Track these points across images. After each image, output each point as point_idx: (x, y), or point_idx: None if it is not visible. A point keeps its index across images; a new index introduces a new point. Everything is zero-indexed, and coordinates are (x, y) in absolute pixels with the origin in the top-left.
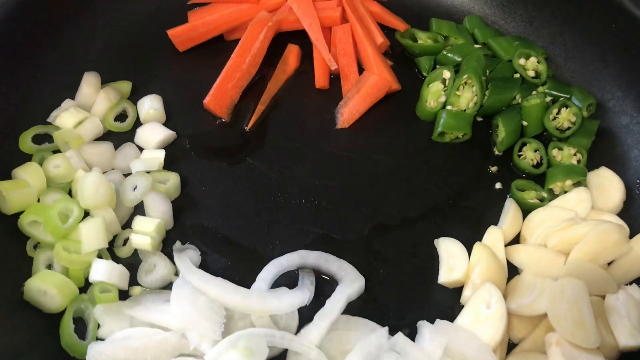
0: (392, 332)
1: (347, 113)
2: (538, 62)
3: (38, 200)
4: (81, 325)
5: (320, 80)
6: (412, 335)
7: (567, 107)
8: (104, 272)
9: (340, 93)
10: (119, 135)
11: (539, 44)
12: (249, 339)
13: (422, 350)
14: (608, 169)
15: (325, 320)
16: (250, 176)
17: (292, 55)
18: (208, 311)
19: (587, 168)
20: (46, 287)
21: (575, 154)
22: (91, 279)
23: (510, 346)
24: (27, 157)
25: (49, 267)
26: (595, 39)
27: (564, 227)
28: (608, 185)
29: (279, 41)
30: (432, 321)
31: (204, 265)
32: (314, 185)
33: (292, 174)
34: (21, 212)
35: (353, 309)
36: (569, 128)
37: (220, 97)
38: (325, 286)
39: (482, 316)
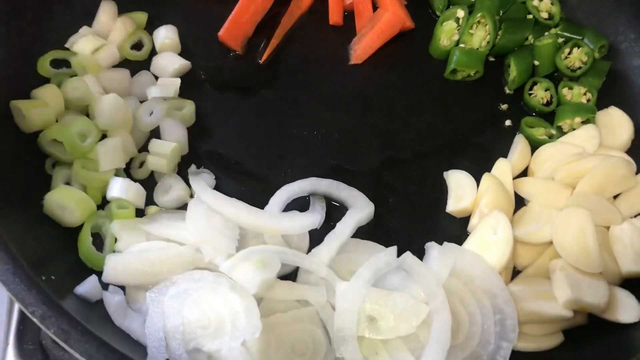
0: (399, 254)
1: (361, 49)
2: (551, 3)
3: (56, 122)
4: (98, 240)
5: (334, 16)
6: (420, 259)
7: (579, 47)
8: (121, 189)
9: (354, 30)
10: (135, 64)
11: None
12: (262, 254)
13: (429, 269)
14: (617, 108)
15: (335, 241)
16: (263, 108)
17: None
18: (223, 228)
19: (597, 108)
20: (65, 202)
21: (585, 94)
22: (108, 195)
23: (515, 274)
24: (45, 81)
25: (67, 184)
26: None
27: (572, 161)
28: (617, 123)
29: None
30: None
31: (217, 189)
32: (327, 117)
33: (304, 107)
34: (39, 132)
35: (362, 234)
36: (579, 68)
37: (235, 29)
38: (335, 212)
39: (489, 241)
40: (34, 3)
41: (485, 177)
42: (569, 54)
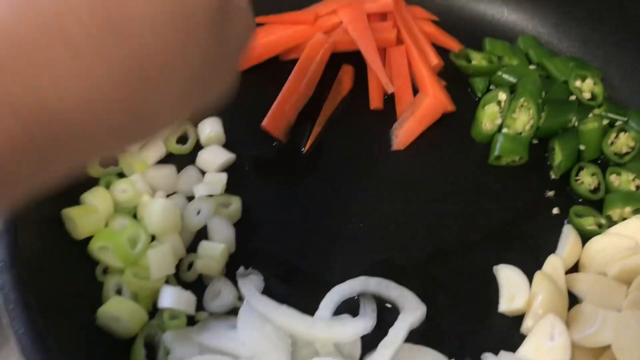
0: None
1: (403, 135)
2: (594, 83)
3: (106, 226)
4: (150, 351)
5: (375, 101)
6: None
7: (625, 131)
8: (173, 298)
9: (394, 114)
10: (179, 157)
11: (594, 64)
12: None
13: None
14: None
15: (389, 349)
16: (308, 199)
17: (346, 76)
18: (275, 339)
19: None
20: (118, 314)
21: (634, 180)
22: (160, 305)
23: None
24: (93, 182)
25: (119, 292)
26: None
27: (625, 256)
28: None
29: (332, 61)
30: (493, 350)
31: (265, 290)
32: (371, 208)
33: (348, 197)
34: (90, 237)
35: (413, 336)
36: (627, 153)
37: (278, 118)
38: (385, 313)
39: (545, 348)
40: None
41: (538, 276)
42: (616, 138)
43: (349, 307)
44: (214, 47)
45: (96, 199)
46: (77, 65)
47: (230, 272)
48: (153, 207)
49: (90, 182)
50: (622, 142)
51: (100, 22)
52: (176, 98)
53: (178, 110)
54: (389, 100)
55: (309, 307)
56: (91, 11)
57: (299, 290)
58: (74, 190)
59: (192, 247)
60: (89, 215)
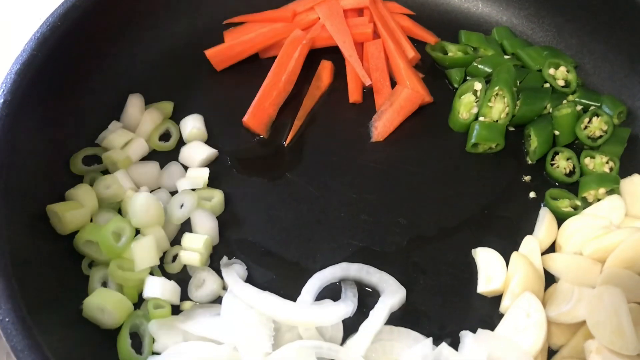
0: (434, 341)
1: (382, 126)
2: (567, 71)
3: (91, 221)
4: (136, 340)
5: (354, 94)
6: (454, 344)
7: (598, 115)
8: (157, 288)
9: (374, 107)
10: (163, 154)
11: (567, 53)
12: (298, 351)
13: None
14: None
15: (370, 330)
16: (290, 191)
17: (325, 71)
18: (258, 324)
19: (620, 175)
20: (104, 305)
21: (607, 162)
22: (145, 295)
23: (550, 353)
24: (78, 179)
25: (104, 284)
26: (623, 47)
27: (599, 235)
28: None
29: (312, 57)
30: (472, 330)
31: (249, 279)
32: (352, 198)
33: (330, 188)
34: (76, 232)
35: (395, 319)
36: (600, 136)
37: (258, 114)
38: (367, 297)
39: (522, 325)
40: (64, 103)
41: (515, 257)
42: (589, 123)
43: (331, 293)
44: None
45: (81, 195)
46: None
47: (214, 263)
48: (136, 201)
49: (74, 180)
50: (595, 126)
51: None
52: None
53: None
54: (368, 93)
55: (291, 294)
56: None
57: (282, 279)
58: (59, 187)
59: (176, 240)
60: (73, 211)
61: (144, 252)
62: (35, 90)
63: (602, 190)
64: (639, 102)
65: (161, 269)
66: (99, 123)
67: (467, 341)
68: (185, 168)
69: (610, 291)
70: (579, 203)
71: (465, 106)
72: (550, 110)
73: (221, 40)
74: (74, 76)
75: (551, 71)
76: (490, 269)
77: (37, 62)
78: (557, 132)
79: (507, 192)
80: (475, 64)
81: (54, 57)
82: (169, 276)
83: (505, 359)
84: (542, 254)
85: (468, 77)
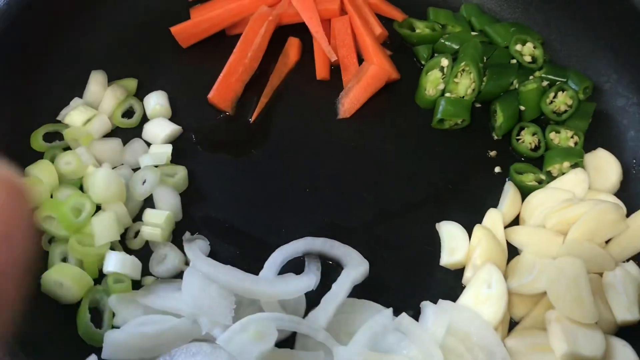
0: (396, 314)
1: (348, 103)
2: (534, 47)
3: (51, 197)
4: (97, 315)
5: (321, 71)
6: (416, 316)
7: (563, 90)
8: (117, 263)
9: (341, 84)
10: (127, 131)
11: (535, 29)
12: (259, 323)
13: (425, 329)
14: (605, 150)
15: (332, 303)
16: (255, 167)
17: (292, 48)
18: (218, 298)
19: (584, 150)
20: (62, 279)
21: (572, 137)
22: (105, 270)
23: (512, 324)
24: (39, 155)
25: (64, 260)
26: (590, 23)
27: (562, 207)
28: (605, 165)
29: (279, 34)
30: (435, 302)
31: (213, 255)
32: (318, 174)
33: (296, 164)
34: (34, 208)
35: (358, 292)
36: (565, 111)
37: (224, 91)
38: (330, 271)
39: (483, 296)
40: (24, 79)
41: (477, 229)
42: (554, 98)
43: (295, 269)
44: None
45: (40, 171)
46: None
47: (177, 239)
48: (96, 177)
49: (35, 156)
50: (561, 101)
51: None
52: None
53: None
54: (336, 70)
55: (256, 270)
56: None
57: (245, 254)
58: (19, 163)
59: (139, 217)
60: (33, 187)
61: (104, 227)
62: None
63: (566, 164)
64: (604, 78)
65: (123, 246)
66: (61, 100)
67: (427, 311)
68: (149, 145)
69: (571, 262)
70: (543, 177)
71: (431, 82)
72: (517, 86)
73: (187, 17)
74: (34, 51)
75: (518, 47)
76: (453, 241)
77: None
78: (522, 108)
79: (473, 167)
80: (442, 41)
81: (13, 32)
82: (131, 252)
83: (466, 329)
84: (506, 227)
85: (436, 54)
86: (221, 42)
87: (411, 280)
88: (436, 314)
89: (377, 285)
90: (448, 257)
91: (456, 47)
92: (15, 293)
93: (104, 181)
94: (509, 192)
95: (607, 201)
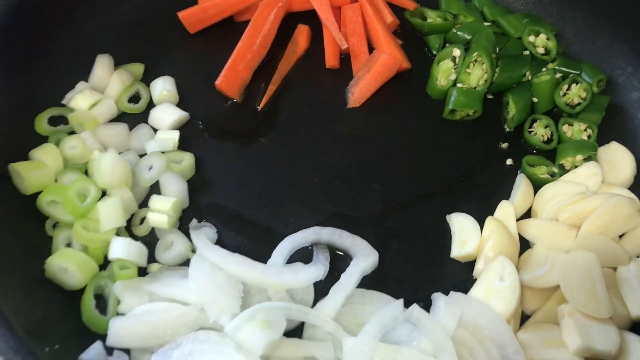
0: (406, 305)
1: (358, 92)
2: (548, 39)
3: (55, 181)
4: (102, 302)
5: (331, 59)
6: (426, 308)
7: (577, 83)
8: (123, 249)
9: (351, 72)
10: (133, 116)
11: (548, 21)
12: (267, 312)
13: (436, 321)
14: (618, 144)
15: (341, 293)
16: (263, 156)
17: (302, 35)
18: (226, 286)
19: (598, 143)
20: (67, 265)
21: (585, 130)
22: (110, 256)
23: (523, 318)
24: (43, 139)
25: (68, 245)
26: (605, 16)
27: (575, 201)
28: (618, 159)
29: (289, 22)
30: (446, 294)
31: (219, 242)
32: (327, 163)
33: (304, 153)
34: (39, 192)
35: (368, 283)
36: (579, 104)
37: (231, 78)
38: (339, 262)
39: (495, 288)
40: (29, 61)
41: (489, 221)
42: (568, 90)
43: (303, 258)
44: None
45: (45, 155)
46: None
47: (183, 226)
48: (102, 161)
49: (40, 140)
50: (574, 93)
51: None
52: None
53: None
54: (346, 59)
55: (263, 259)
56: None
57: (253, 243)
58: (24, 147)
59: (145, 203)
60: (37, 170)
61: (110, 212)
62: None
63: (579, 157)
64: (618, 71)
65: (129, 232)
66: (67, 83)
67: (439, 303)
68: (155, 131)
69: (585, 256)
70: (556, 170)
71: (443, 73)
72: (530, 78)
73: (195, 2)
74: (40, 34)
75: (531, 38)
76: (464, 233)
77: (1, 18)
78: (535, 99)
79: (484, 159)
80: (454, 31)
81: (19, 14)
82: (137, 239)
83: (478, 321)
84: (518, 220)
85: (447, 44)
86: (229, 29)
87: (421, 272)
88: (447, 305)
89: (387, 277)
90: (459, 250)
91: (468, 37)
92: None
93: (110, 166)
94: (521, 185)
95: (621, 195)
